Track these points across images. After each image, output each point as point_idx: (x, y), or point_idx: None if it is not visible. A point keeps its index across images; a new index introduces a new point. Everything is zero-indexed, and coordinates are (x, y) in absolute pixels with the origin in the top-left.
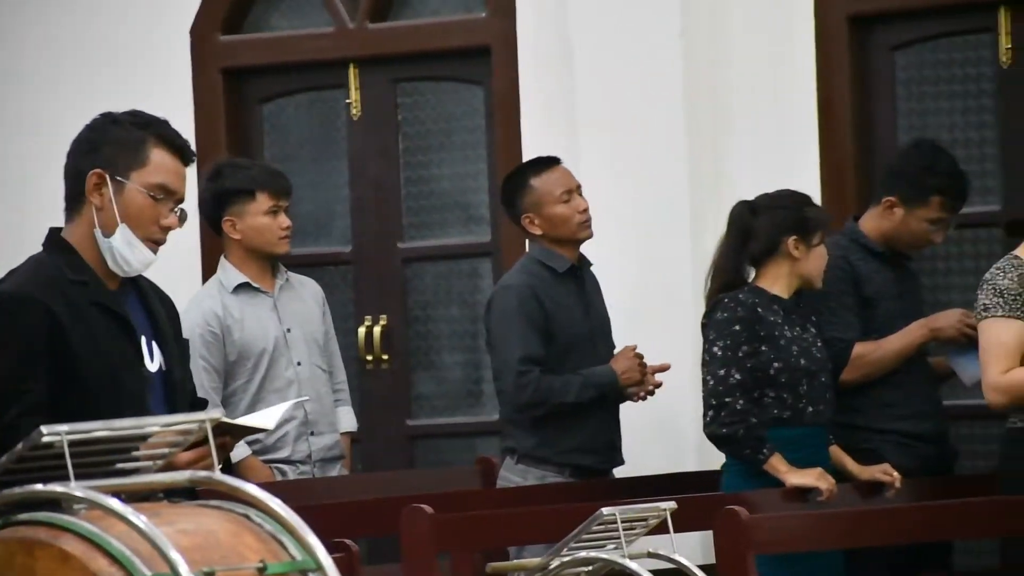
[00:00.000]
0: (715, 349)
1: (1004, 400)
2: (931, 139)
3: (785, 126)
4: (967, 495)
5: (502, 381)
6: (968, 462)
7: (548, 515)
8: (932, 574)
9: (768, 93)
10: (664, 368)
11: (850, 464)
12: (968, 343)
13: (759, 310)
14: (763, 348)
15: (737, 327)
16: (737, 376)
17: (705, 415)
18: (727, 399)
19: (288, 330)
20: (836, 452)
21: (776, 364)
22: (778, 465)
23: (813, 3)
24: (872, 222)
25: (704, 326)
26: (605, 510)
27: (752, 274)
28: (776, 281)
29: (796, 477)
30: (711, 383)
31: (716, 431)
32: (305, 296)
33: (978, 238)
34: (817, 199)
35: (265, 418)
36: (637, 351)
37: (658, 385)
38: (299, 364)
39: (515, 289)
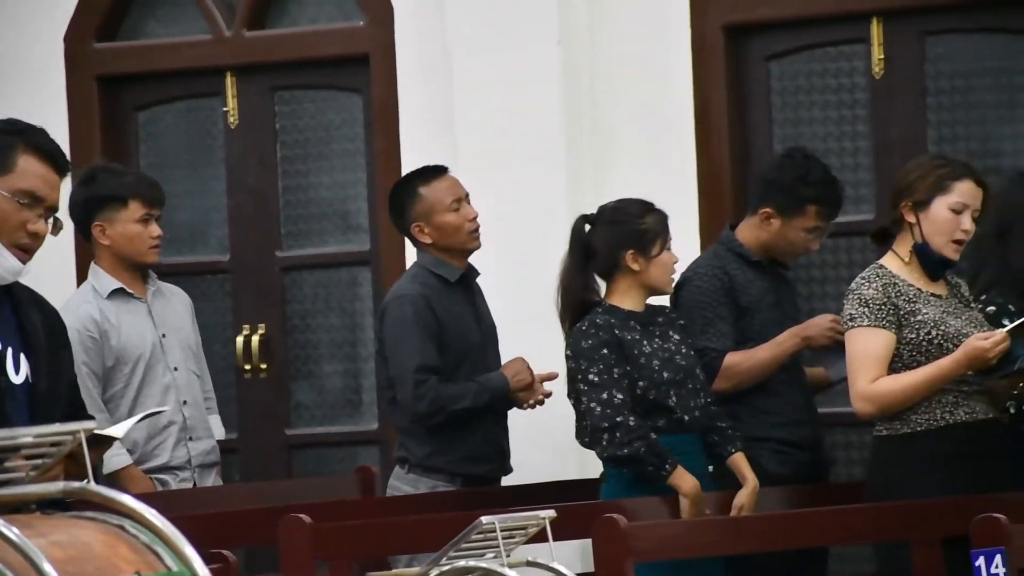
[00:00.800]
0: (591, 377)
1: (872, 409)
2: (803, 148)
3: (662, 135)
4: (842, 502)
5: (399, 391)
6: (844, 469)
7: (428, 524)
8: None
9: (646, 102)
10: (552, 377)
11: (748, 474)
12: (839, 348)
13: (616, 331)
14: (627, 368)
15: (605, 351)
16: (619, 396)
17: (599, 442)
18: (618, 419)
19: (163, 336)
20: (737, 460)
21: (640, 383)
22: (681, 483)
23: (689, 12)
24: (749, 232)
25: (569, 356)
26: (484, 519)
27: (603, 288)
28: (625, 296)
29: (688, 504)
30: (598, 409)
31: (615, 452)
32: (176, 303)
33: (852, 247)
34: (694, 208)
35: (117, 428)
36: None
37: (548, 394)
38: (175, 369)
39: (409, 298)
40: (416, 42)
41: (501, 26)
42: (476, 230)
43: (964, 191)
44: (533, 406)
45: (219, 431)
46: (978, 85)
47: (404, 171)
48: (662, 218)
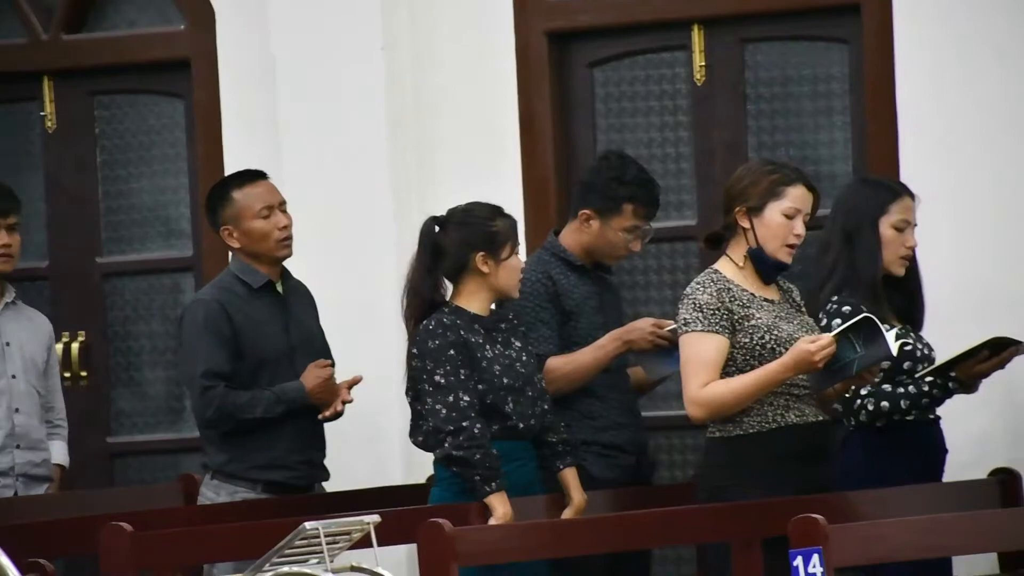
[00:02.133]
0: (437, 378)
1: (704, 413)
2: (619, 150)
3: (488, 141)
4: (665, 504)
5: (189, 396)
6: (667, 472)
7: (252, 531)
8: None
9: (471, 108)
10: (356, 381)
11: (574, 492)
12: (660, 351)
13: (461, 332)
14: (472, 371)
15: (452, 352)
16: (466, 398)
17: (441, 443)
18: (464, 423)
19: (7, 344)
20: (566, 476)
21: (480, 387)
22: (497, 506)
23: (512, 19)
24: (571, 236)
25: (414, 355)
26: (308, 524)
27: (450, 290)
28: (472, 298)
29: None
30: (443, 412)
31: (450, 452)
32: (33, 324)
33: (675, 252)
34: (520, 213)
35: None
36: (327, 365)
37: (349, 401)
38: (14, 377)
39: (204, 303)
40: (239, 47)
41: (324, 31)
42: (287, 238)
43: (796, 196)
44: (332, 417)
45: (60, 455)
46: (796, 92)
47: None
48: (511, 223)
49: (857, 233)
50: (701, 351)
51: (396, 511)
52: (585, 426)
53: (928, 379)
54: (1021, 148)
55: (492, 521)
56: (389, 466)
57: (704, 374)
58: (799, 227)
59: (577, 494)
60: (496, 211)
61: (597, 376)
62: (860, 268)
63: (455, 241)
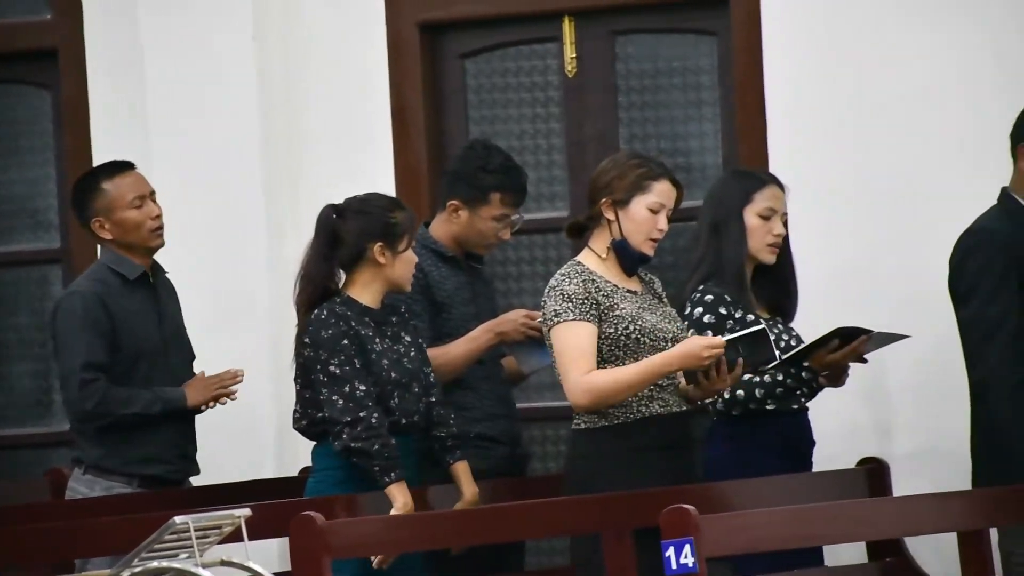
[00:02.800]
0: (332, 368)
1: (588, 400)
2: (484, 139)
3: (360, 132)
4: (539, 496)
5: (65, 389)
6: (540, 464)
7: (121, 526)
8: (506, 574)
9: (343, 99)
10: (237, 379)
11: (465, 488)
12: (532, 342)
13: (352, 324)
14: (364, 363)
15: (346, 341)
16: (362, 388)
17: (339, 435)
18: (361, 414)
19: None
20: (457, 471)
21: (369, 379)
22: (397, 496)
23: (384, 9)
24: (441, 227)
25: (305, 344)
26: (178, 519)
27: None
28: (365, 290)
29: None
30: (340, 402)
31: (348, 444)
32: None
33: (547, 243)
34: None
35: None
36: (216, 383)
37: (231, 395)
38: None
39: (80, 295)
40: (106, 37)
41: (194, 21)
42: (159, 228)
43: (662, 191)
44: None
45: None
46: (666, 84)
47: None
48: (410, 216)
49: (723, 223)
50: (577, 340)
51: (267, 504)
52: (459, 417)
53: (781, 370)
54: (888, 137)
55: (393, 511)
56: (262, 459)
57: (584, 362)
58: (663, 222)
59: (468, 488)
60: (395, 203)
61: (470, 367)
62: (726, 257)
63: (353, 230)
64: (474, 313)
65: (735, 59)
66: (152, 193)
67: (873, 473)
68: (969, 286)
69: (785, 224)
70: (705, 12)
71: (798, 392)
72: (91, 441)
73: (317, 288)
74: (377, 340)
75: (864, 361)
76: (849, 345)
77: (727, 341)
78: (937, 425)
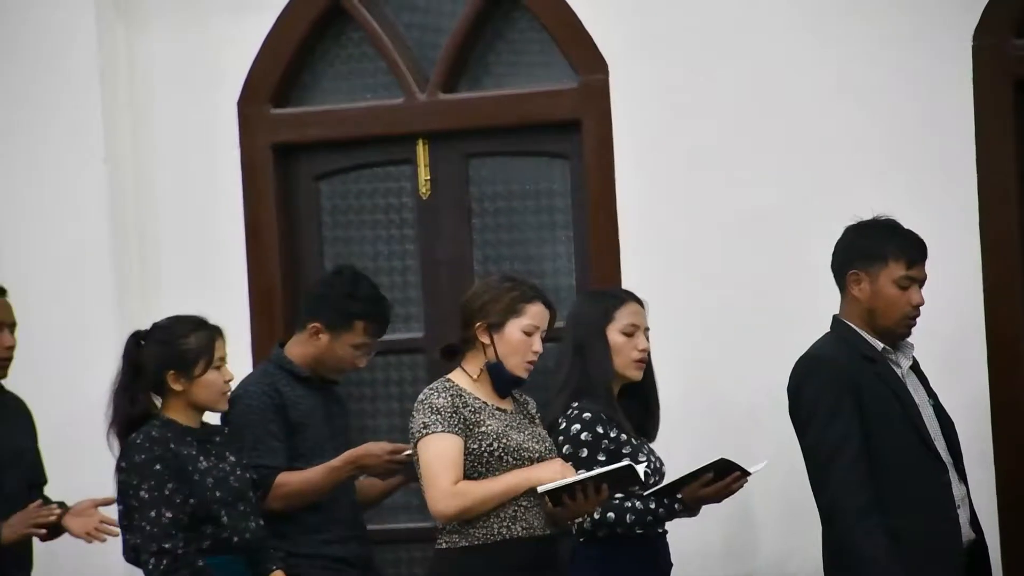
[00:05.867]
0: (142, 493)
1: (457, 505)
2: (352, 266)
3: (213, 253)
4: None
5: None
6: None
7: None
8: None
9: (197, 219)
10: (51, 514)
11: None
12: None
13: (171, 445)
14: (180, 485)
15: (158, 466)
16: (168, 515)
17: (146, 564)
18: (166, 544)
19: None
20: None
21: (192, 500)
22: None
23: (238, 130)
24: (298, 347)
25: (122, 468)
26: None
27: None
28: (179, 412)
29: None
30: (147, 528)
31: (157, 573)
32: None
33: (402, 364)
34: (246, 326)
35: None
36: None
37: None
38: None
39: None
40: None
41: (43, 141)
42: (7, 359)
43: (535, 314)
44: (90, 540)
45: None
46: (519, 207)
47: None
48: (209, 336)
49: (587, 343)
50: (445, 451)
51: None
52: (311, 539)
53: (654, 498)
54: (740, 261)
55: None
56: None
57: (452, 472)
58: (537, 344)
59: None
60: (195, 325)
61: None
62: (593, 377)
63: (151, 358)
64: (329, 434)
65: (587, 181)
66: (12, 325)
67: None
68: (808, 413)
69: (647, 339)
70: (558, 135)
71: (666, 520)
72: None
73: (123, 416)
74: (201, 459)
75: (729, 494)
76: (722, 481)
77: (594, 475)
78: (798, 546)
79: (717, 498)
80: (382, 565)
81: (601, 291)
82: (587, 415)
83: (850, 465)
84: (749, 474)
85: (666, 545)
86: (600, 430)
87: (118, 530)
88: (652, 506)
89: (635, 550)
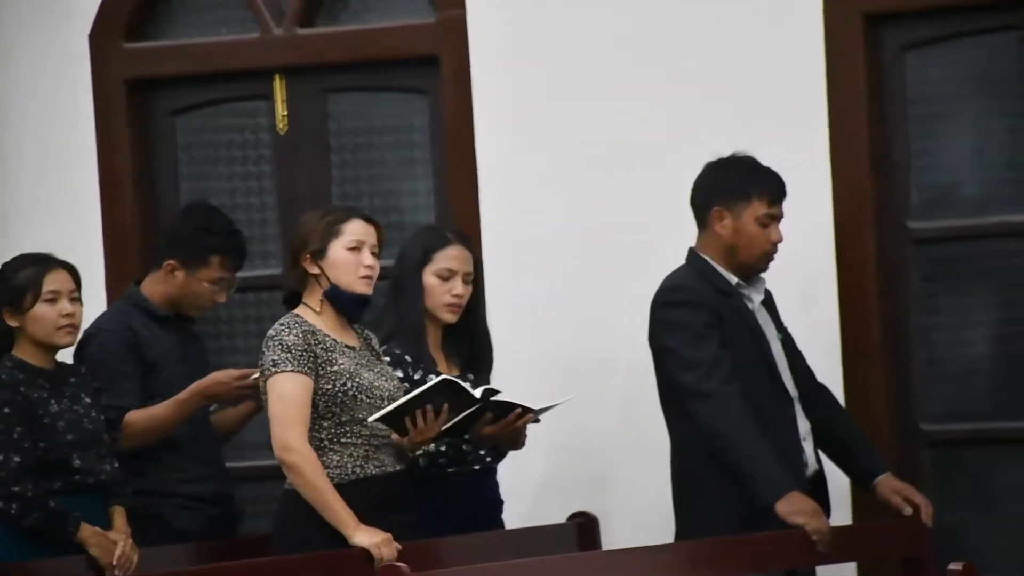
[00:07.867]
0: None
1: (292, 461)
2: (206, 201)
3: (68, 190)
4: (249, 555)
5: None
6: (252, 523)
7: None
8: None
9: (50, 156)
10: None
11: (118, 524)
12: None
13: (23, 388)
14: (30, 428)
15: (7, 409)
16: (17, 459)
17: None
18: (15, 488)
19: None
20: (113, 514)
21: (42, 444)
22: (88, 535)
23: (90, 66)
24: (154, 286)
25: None
26: None
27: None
28: (30, 351)
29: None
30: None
31: (18, 523)
32: None
33: (260, 300)
34: (100, 263)
35: None
36: None
37: None
38: None
39: None
40: None
41: None
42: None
43: (355, 230)
44: None
45: None
46: (379, 142)
47: None
48: (40, 270)
49: (403, 282)
50: (292, 392)
51: None
52: (169, 478)
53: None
54: (598, 196)
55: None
56: None
57: (298, 420)
58: (367, 258)
59: (119, 533)
60: (31, 260)
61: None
62: (404, 316)
63: None
64: (186, 372)
65: (446, 117)
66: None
67: (583, 528)
68: (677, 337)
69: (470, 283)
70: (416, 71)
71: (469, 458)
72: None
73: None
74: (52, 401)
75: (537, 421)
76: (504, 419)
77: (418, 393)
78: (649, 479)
79: (508, 438)
80: (241, 503)
81: (431, 228)
82: (386, 359)
83: (728, 378)
84: (533, 411)
85: (493, 482)
86: (400, 374)
87: None
88: (443, 448)
89: (451, 488)
